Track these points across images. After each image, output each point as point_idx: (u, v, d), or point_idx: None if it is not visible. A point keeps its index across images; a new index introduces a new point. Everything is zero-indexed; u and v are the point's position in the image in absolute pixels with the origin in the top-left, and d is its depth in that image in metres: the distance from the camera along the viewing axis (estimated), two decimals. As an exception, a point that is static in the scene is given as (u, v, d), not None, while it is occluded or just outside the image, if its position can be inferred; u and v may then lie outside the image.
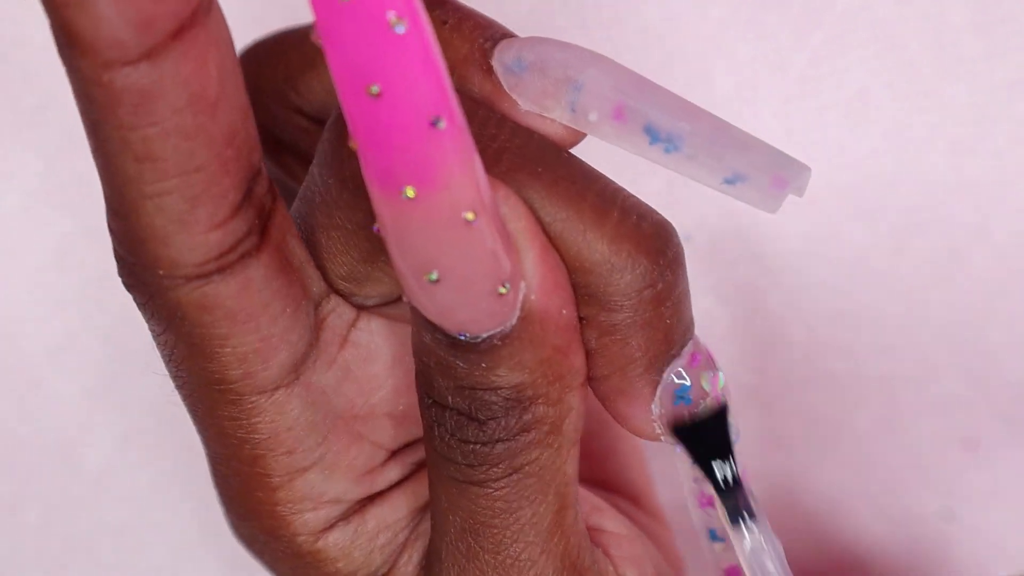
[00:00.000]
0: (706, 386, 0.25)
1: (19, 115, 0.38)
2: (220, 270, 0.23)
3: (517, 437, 0.24)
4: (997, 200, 0.39)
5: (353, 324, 0.27)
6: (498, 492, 0.25)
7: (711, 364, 0.26)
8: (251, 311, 0.24)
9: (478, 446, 0.24)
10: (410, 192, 0.20)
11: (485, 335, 0.23)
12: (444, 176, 0.20)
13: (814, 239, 0.39)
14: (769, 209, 0.24)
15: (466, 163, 0.21)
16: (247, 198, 0.23)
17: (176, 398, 0.39)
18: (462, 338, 0.23)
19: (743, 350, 0.39)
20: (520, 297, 0.23)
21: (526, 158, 0.24)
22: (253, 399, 0.25)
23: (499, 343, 0.23)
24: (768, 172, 0.23)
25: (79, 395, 0.39)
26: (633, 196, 0.25)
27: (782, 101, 0.39)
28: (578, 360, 0.25)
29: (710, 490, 0.26)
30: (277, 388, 0.25)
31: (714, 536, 0.28)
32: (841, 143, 0.39)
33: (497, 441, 0.24)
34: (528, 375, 0.24)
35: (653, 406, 0.25)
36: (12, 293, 0.38)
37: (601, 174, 0.25)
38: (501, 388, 0.24)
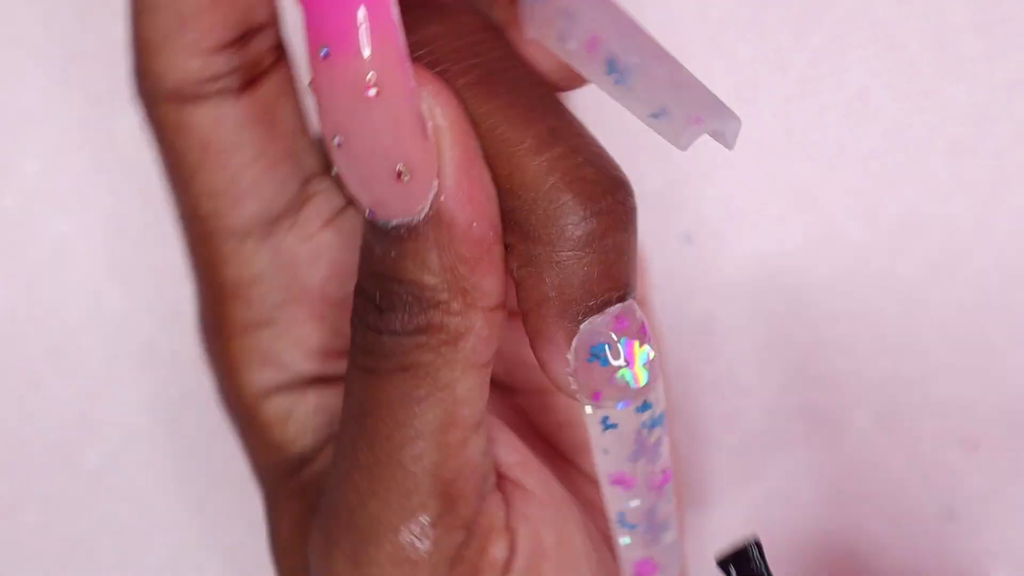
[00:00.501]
0: (627, 354, 0.25)
1: (19, 115, 0.38)
2: (196, 97, 0.26)
3: (411, 335, 0.25)
4: (997, 200, 0.39)
5: (341, 212, 0.28)
6: (384, 385, 0.25)
7: (641, 335, 0.25)
8: (222, 148, 0.26)
9: (374, 334, 0.25)
10: (324, 52, 0.22)
11: (393, 223, 0.24)
12: (355, 44, 0.22)
13: (814, 239, 0.39)
14: (680, 145, 0.24)
15: (382, 41, 0.22)
16: (238, 44, 0.25)
17: (176, 398, 0.39)
18: (378, 223, 0.24)
19: (743, 350, 0.39)
20: (430, 194, 0.24)
21: (496, 79, 0.25)
22: (223, 240, 0.27)
23: (406, 235, 0.24)
24: (689, 109, 0.24)
25: (79, 395, 0.39)
26: (599, 149, 0.25)
27: (782, 101, 0.39)
28: (488, 282, 0.25)
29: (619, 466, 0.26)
30: (246, 237, 0.27)
31: (623, 522, 0.26)
32: (841, 143, 0.39)
33: (392, 333, 0.25)
34: (431, 277, 0.24)
35: (568, 356, 0.25)
36: (12, 293, 0.38)
37: (575, 126, 0.25)
38: (404, 282, 0.24)
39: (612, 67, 0.24)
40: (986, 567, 0.39)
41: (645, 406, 0.25)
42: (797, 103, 0.38)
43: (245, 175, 0.27)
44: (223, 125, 0.26)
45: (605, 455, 0.26)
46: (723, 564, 0.27)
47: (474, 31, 0.25)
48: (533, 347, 0.25)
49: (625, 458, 0.26)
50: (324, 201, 0.29)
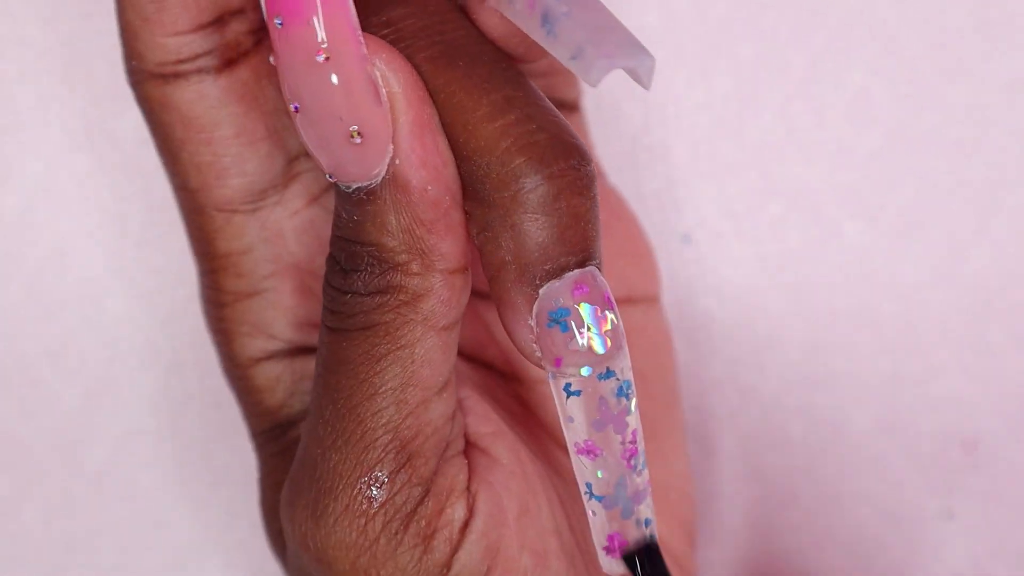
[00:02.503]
0: (587, 319, 0.25)
1: (19, 115, 0.38)
2: (176, 75, 0.27)
3: (372, 296, 0.26)
4: (997, 200, 0.39)
5: (328, 190, 0.30)
6: (348, 343, 0.26)
7: (604, 303, 0.25)
8: (203, 124, 0.28)
9: (340, 294, 0.26)
10: (278, 22, 0.24)
11: (353, 186, 0.26)
12: (305, 13, 0.24)
13: (814, 239, 0.39)
14: (590, 81, 0.24)
15: (331, 10, 0.24)
16: (216, 25, 0.27)
17: (176, 398, 0.39)
18: (341, 187, 0.26)
19: (743, 350, 0.39)
20: (386, 158, 0.25)
21: (456, 53, 0.26)
22: (212, 213, 0.29)
23: (365, 198, 0.26)
24: (602, 48, 0.24)
25: (79, 395, 0.39)
26: (555, 117, 0.26)
27: (782, 101, 0.39)
28: (446, 245, 0.26)
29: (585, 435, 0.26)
30: (235, 212, 0.29)
31: (591, 493, 0.26)
32: (841, 143, 0.39)
33: (355, 293, 0.26)
34: (390, 239, 0.26)
35: (530, 321, 0.25)
36: (12, 293, 0.38)
37: (533, 95, 0.26)
38: (365, 243, 0.26)
39: (545, 20, 0.25)
40: (986, 567, 0.39)
41: (608, 373, 0.26)
42: (797, 103, 0.38)
43: (227, 150, 0.28)
44: (203, 102, 0.28)
45: (570, 424, 0.26)
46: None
47: (437, 11, 0.26)
48: (499, 314, 0.26)
49: (590, 426, 0.26)
50: (311, 179, 0.30)
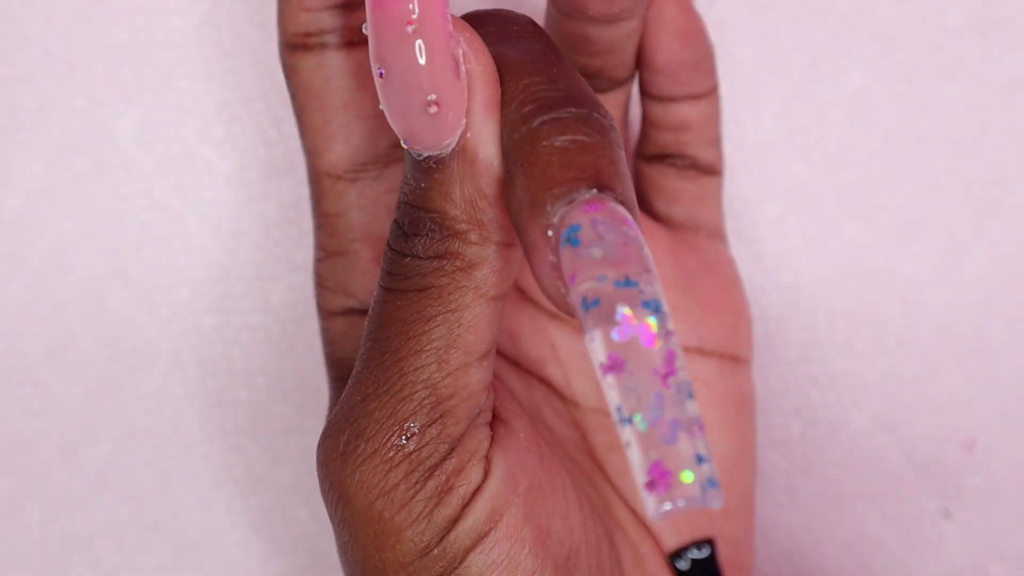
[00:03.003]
0: (602, 230, 0.24)
1: (19, 115, 0.37)
2: (304, 46, 0.31)
3: (430, 260, 0.27)
4: (997, 200, 0.39)
5: None
6: (401, 302, 0.28)
7: (621, 221, 0.25)
8: (319, 91, 0.31)
9: (399, 256, 0.28)
10: None
11: (425, 154, 0.27)
12: None
13: (814, 239, 0.39)
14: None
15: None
16: (343, 8, 0.31)
17: (176, 398, 0.39)
18: (413, 154, 0.27)
19: (743, 350, 0.39)
20: (458, 130, 0.27)
21: (518, 39, 0.28)
22: (322, 176, 0.32)
23: (434, 166, 0.27)
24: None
25: (79, 395, 0.39)
26: (584, 89, 0.27)
27: (782, 101, 0.39)
28: (504, 218, 0.27)
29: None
30: (339, 178, 0.32)
31: (621, 416, 0.23)
32: (841, 143, 0.39)
33: (414, 256, 0.28)
34: (453, 208, 0.27)
35: (551, 257, 0.25)
36: (12, 293, 0.38)
37: (571, 74, 0.27)
38: (429, 210, 0.27)
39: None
40: (985, 567, 0.39)
41: (629, 282, 0.24)
42: (797, 103, 0.39)
43: (335, 118, 0.31)
44: (321, 72, 0.31)
45: (592, 343, 0.24)
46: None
47: (523, 21, 0.29)
48: (529, 264, 0.26)
49: (609, 335, 0.24)
50: None
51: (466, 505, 0.28)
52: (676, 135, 0.35)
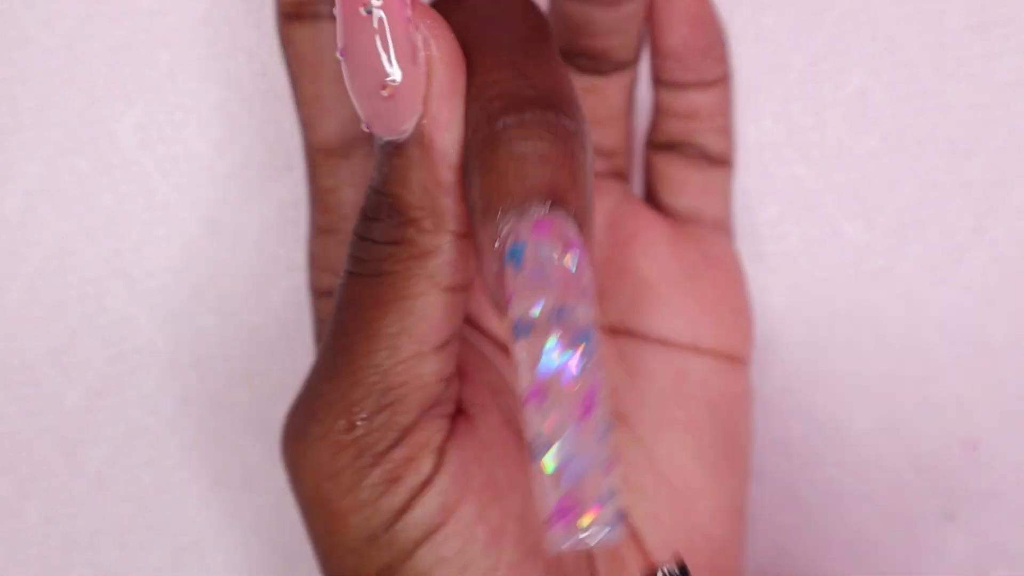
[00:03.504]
0: (543, 255, 0.24)
1: (19, 115, 0.38)
2: (298, 16, 0.30)
3: (386, 245, 0.27)
4: (997, 200, 0.39)
5: None
6: (358, 286, 0.28)
7: (567, 245, 0.25)
8: (312, 62, 0.31)
9: (360, 240, 0.28)
10: None
11: (385, 138, 0.27)
12: None
13: (814, 239, 0.39)
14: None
15: None
16: None
17: (176, 398, 0.39)
18: (377, 139, 0.27)
19: (743, 350, 0.39)
20: (414, 116, 0.26)
21: (499, 22, 0.28)
22: (315, 151, 0.31)
23: (393, 151, 0.27)
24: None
25: (80, 395, 0.39)
26: (561, 85, 0.26)
27: (782, 101, 0.39)
28: (460, 208, 0.27)
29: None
30: (331, 153, 0.31)
31: (537, 444, 0.24)
32: (840, 143, 0.39)
33: (372, 240, 0.27)
34: (408, 194, 0.27)
35: (495, 264, 0.25)
36: (12, 293, 0.38)
37: (549, 65, 0.27)
38: (388, 195, 0.27)
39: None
40: (986, 567, 0.39)
41: (562, 313, 0.24)
42: (796, 103, 0.38)
43: (328, 90, 0.31)
44: (313, 43, 0.31)
45: (519, 368, 0.25)
46: None
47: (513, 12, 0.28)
48: (478, 266, 0.26)
49: (535, 367, 0.25)
50: None
51: (415, 496, 0.28)
52: (685, 123, 0.35)
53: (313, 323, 0.33)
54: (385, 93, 0.26)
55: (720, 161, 0.35)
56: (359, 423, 0.28)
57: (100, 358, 0.39)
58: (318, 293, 0.33)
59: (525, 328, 0.25)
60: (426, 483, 0.28)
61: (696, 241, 0.35)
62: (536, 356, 0.24)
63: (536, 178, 0.25)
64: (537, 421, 0.24)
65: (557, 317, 0.24)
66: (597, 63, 0.34)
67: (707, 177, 0.35)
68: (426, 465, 0.28)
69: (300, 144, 0.38)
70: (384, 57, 0.26)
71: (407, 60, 0.26)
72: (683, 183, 0.35)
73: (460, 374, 0.30)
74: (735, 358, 0.35)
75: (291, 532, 0.40)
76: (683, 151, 0.35)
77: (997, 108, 0.38)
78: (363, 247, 0.28)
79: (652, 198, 0.36)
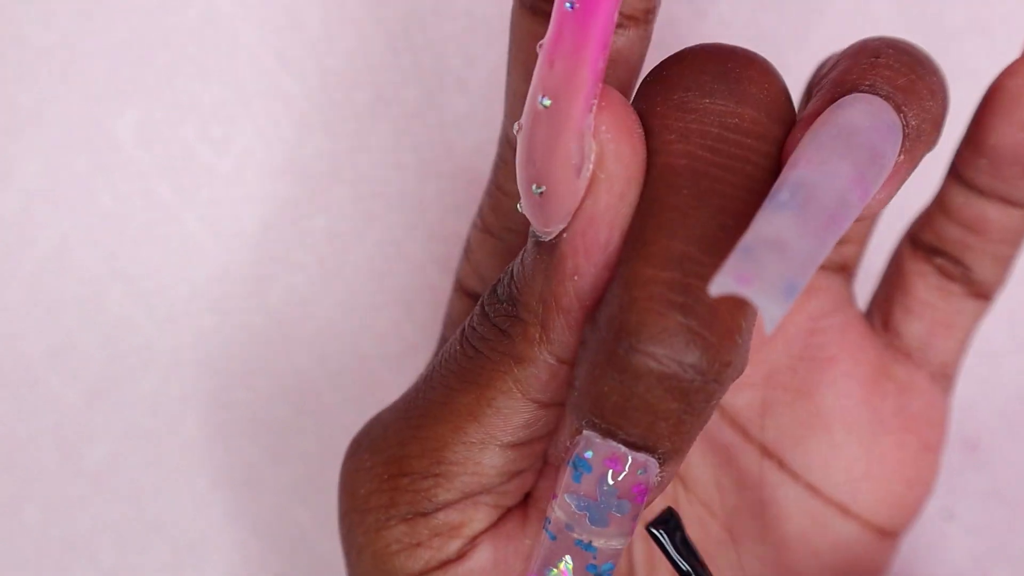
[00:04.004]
0: (600, 494, 0.24)
1: (19, 115, 0.38)
2: (532, 9, 0.26)
3: (493, 328, 0.26)
4: (997, 200, 0.39)
5: None
6: (457, 348, 0.27)
7: (630, 494, 0.24)
8: (529, 55, 0.27)
9: (481, 306, 0.26)
10: (541, 44, 0.23)
11: (532, 229, 0.25)
12: (566, 51, 0.22)
13: (814, 239, 0.39)
14: (709, 290, 0.23)
15: (576, 65, 0.22)
16: None
17: (176, 398, 0.39)
18: (531, 227, 0.25)
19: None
20: (559, 226, 0.24)
21: (697, 177, 0.24)
22: (507, 150, 0.29)
23: (532, 247, 0.25)
24: (748, 265, 0.22)
25: (79, 395, 0.39)
26: (715, 310, 0.23)
27: (782, 101, 0.39)
28: (565, 336, 0.25)
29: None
30: None
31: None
32: (841, 143, 0.39)
33: (486, 316, 0.26)
34: (528, 295, 0.25)
35: (565, 443, 0.24)
36: (12, 293, 0.38)
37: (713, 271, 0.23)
38: (515, 283, 0.25)
39: (770, 199, 0.22)
40: (986, 567, 0.39)
41: (589, 547, 0.24)
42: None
43: None
44: (536, 39, 0.26)
45: (535, 548, 0.25)
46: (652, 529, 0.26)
47: (740, 129, 0.24)
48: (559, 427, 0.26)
49: (544, 570, 0.25)
50: None
51: (427, 572, 0.27)
52: (965, 234, 0.29)
53: (444, 316, 0.32)
54: (539, 190, 0.24)
55: (981, 294, 0.30)
56: (404, 477, 0.27)
57: (99, 358, 0.39)
58: (458, 286, 0.31)
59: (552, 536, 0.25)
60: (444, 564, 0.27)
61: (901, 390, 0.31)
62: (550, 560, 0.25)
63: (637, 422, 0.23)
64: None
65: (584, 549, 0.25)
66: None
67: (955, 309, 0.30)
68: (451, 547, 0.27)
69: (299, 144, 0.38)
70: (541, 159, 0.23)
71: (566, 170, 0.23)
72: (925, 307, 0.30)
73: (546, 470, 0.28)
74: (888, 531, 0.31)
75: (291, 532, 0.40)
76: (944, 265, 0.30)
77: (997, 108, 0.38)
78: (479, 317, 0.26)
79: (882, 305, 0.31)
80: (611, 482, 0.24)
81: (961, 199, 0.29)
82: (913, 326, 0.30)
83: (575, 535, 0.24)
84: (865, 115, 0.24)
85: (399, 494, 0.27)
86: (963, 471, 0.39)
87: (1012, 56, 0.38)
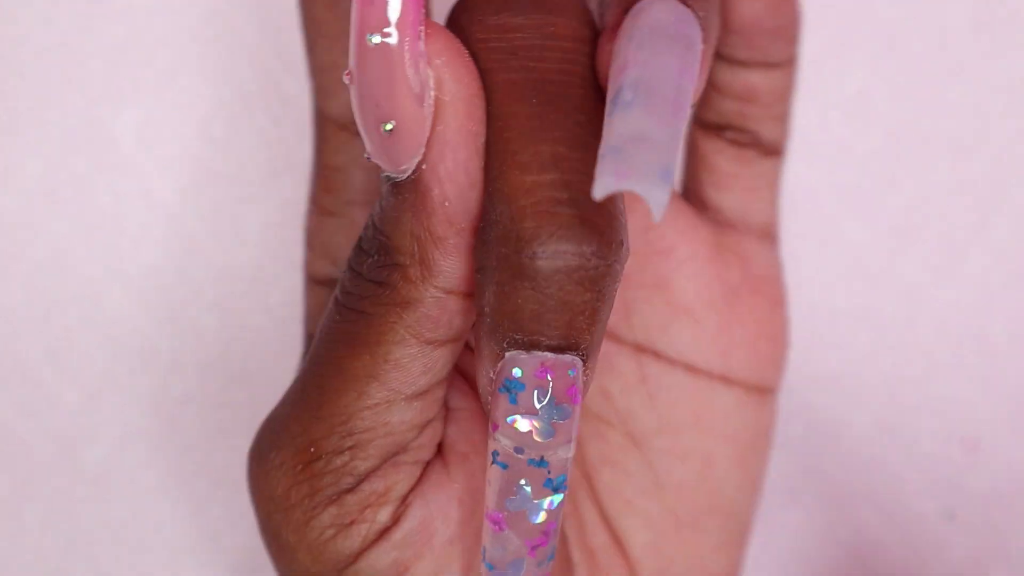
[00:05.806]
0: (539, 404, 0.24)
1: (19, 115, 0.38)
2: None
3: (370, 284, 0.26)
4: (997, 200, 0.39)
5: None
6: (338, 318, 0.26)
7: (567, 396, 0.24)
8: (330, 28, 0.28)
9: (349, 269, 0.26)
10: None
11: (385, 174, 0.25)
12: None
13: (814, 239, 0.39)
14: (593, 194, 0.23)
15: (396, 6, 0.23)
16: None
17: (176, 398, 0.39)
18: (382, 173, 0.25)
19: (743, 350, 0.39)
20: (414, 159, 0.24)
21: (540, 88, 0.25)
22: (326, 121, 0.30)
23: (391, 189, 0.25)
24: (622, 162, 0.23)
25: (79, 395, 0.39)
26: (603, 200, 0.24)
27: (782, 101, 0.39)
28: (449, 264, 0.25)
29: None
30: (344, 128, 0.29)
31: (484, 558, 0.26)
32: (841, 143, 0.39)
33: (359, 275, 0.26)
34: (399, 238, 0.25)
35: (491, 375, 0.25)
36: (11, 293, 0.38)
37: (588, 165, 0.24)
38: (380, 231, 0.25)
39: (613, 100, 0.23)
40: (986, 567, 0.39)
41: (541, 463, 0.25)
42: (798, 103, 0.38)
43: (346, 60, 0.28)
44: (334, 9, 0.28)
45: (488, 487, 0.25)
46: None
47: (558, 36, 0.25)
48: (476, 363, 0.26)
49: (502, 500, 0.25)
50: None
51: (366, 547, 0.27)
52: (741, 105, 0.31)
53: (304, 314, 0.32)
54: (388, 127, 0.24)
55: (772, 150, 0.32)
56: (316, 462, 0.26)
57: (99, 358, 0.39)
58: (310, 280, 0.31)
59: (502, 464, 0.25)
60: (381, 534, 0.27)
61: (739, 258, 0.32)
62: (508, 489, 0.25)
63: (554, 322, 0.24)
64: (490, 543, 0.25)
65: (537, 465, 0.25)
66: None
67: (757, 172, 0.32)
68: (383, 515, 0.27)
69: (299, 144, 0.38)
70: (385, 93, 0.24)
71: (410, 100, 0.24)
72: (731, 178, 0.32)
73: (449, 415, 0.29)
74: (765, 389, 0.33)
75: (291, 532, 0.40)
76: (734, 137, 0.32)
77: (997, 108, 0.38)
78: (351, 279, 0.26)
79: (696, 192, 0.33)
80: (547, 391, 0.24)
81: (728, 75, 0.31)
82: (727, 198, 0.32)
83: (526, 455, 0.24)
84: (667, 12, 0.25)
85: (318, 479, 0.26)
86: (964, 472, 0.39)
87: (1012, 56, 0.38)
